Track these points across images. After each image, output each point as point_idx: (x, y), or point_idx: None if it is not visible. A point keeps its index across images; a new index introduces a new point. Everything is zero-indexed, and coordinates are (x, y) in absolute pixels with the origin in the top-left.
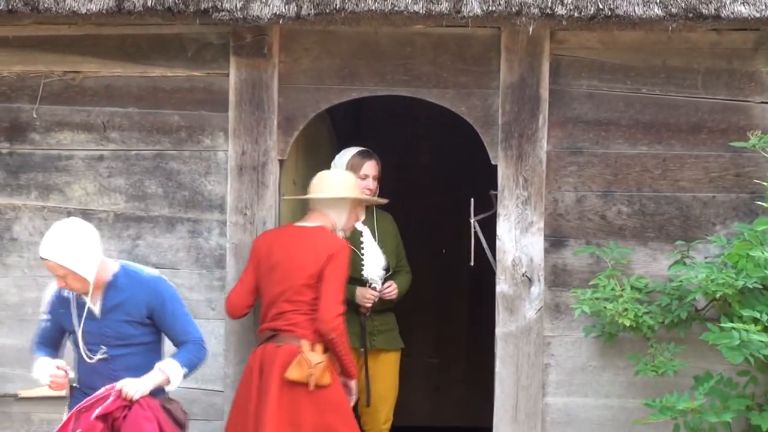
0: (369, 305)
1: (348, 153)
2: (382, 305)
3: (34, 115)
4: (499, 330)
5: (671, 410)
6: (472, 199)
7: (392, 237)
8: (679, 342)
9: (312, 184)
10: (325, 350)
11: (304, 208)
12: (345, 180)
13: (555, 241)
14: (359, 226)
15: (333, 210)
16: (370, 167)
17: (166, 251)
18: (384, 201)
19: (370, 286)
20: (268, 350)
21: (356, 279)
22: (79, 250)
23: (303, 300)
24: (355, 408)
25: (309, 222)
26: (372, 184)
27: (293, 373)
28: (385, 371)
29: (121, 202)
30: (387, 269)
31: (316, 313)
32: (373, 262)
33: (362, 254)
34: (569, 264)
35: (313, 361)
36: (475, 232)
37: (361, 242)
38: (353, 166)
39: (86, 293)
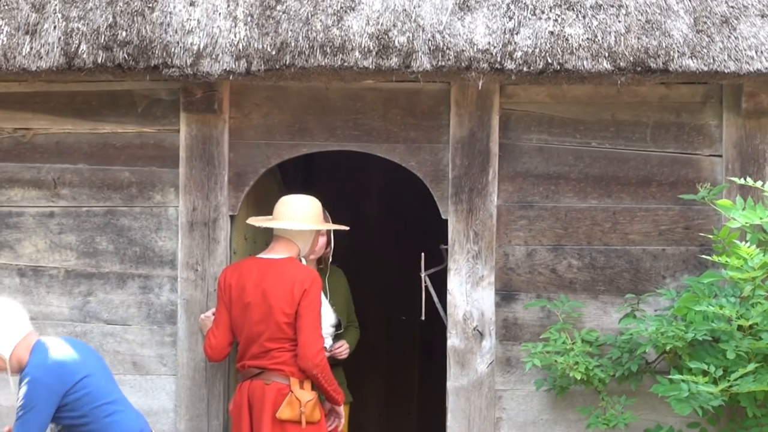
0: None
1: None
2: (331, 360)
3: None
4: (451, 384)
5: None
6: (423, 254)
7: (344, 293)
8: (630, 395)
9: (277, 210)
10: (313, 386)
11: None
12: (311, 208)
13: (506, 294)
14: None
15: (299, 238)
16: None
17: (117, 307)
18: (345, 227)
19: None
20: (257, 387)
21: None
22: None
23: (285, 337)
24: None
25: (275, 253)
26: (322, 241)
27: (285, 412)
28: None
29: (72, 258)
30: (338, 326)
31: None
32: (324, 321)
33: None
34: (520, 318)
35: (304, 399)
36: (426, 287)
37: None
38: None
39: (8, 372)
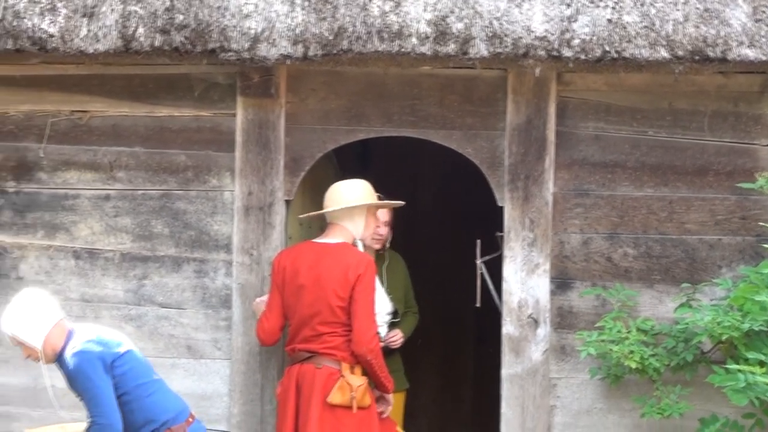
0: None
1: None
2: (388, 347)
3: (41, 155)
4: (505, 371)
5: None
6: (479, 241)
7: (402, 279)
8: (685, 384)
9: (326, 197)
10: (364, 371)
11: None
12: (357, 187)
13: (561, 282)
14: None
15: (348, 221)
16: (384, 214)
17: (172, 291)
18: (400, 203)
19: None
20: (307, 371)
21: None
22: (23, 319)
23: (338, 322)
24: None
25: (330, 238)
26: (382, 228)
27: (336, 397)
28: (392, 414)
29: (128, 241)
30: (394, 314)
31: (351, 335)
32: (379, 309)
33: None
34: (575, 306)
35: (354, 384)
36: (481, 274)
37: None
38: None
39: (43, 361)
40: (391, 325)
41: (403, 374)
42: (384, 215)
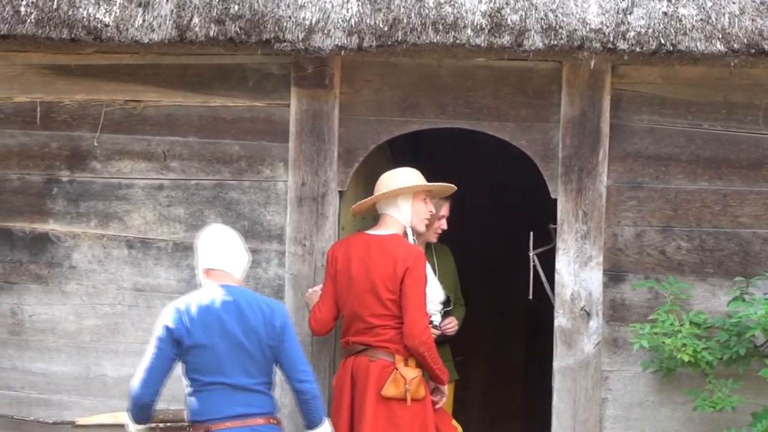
0: None
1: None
2: (439, 338)
3: (95, 144)
4: (557, 364)
5: None
6: (532, 233)
7: (451, 271)
8: (738, 378)
9: (375, 188)
10: (418, 363)
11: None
12: (402, 174)
13: (614, 275)
14: None
15: (394, 209)
16: (444, 208)
17: None
18: (452, 187)
19: (431, 324)
20: (361, 364)
21: None
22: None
23: (390, 314)
24: None
25: (381, 230)
26: (444, 223)
27: (390, 390)
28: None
29: (181, 231)
30: (446, 303)
31: (403, 327)
32: (433, 297)
33: None
34: (627, 299)
35: (408, 377)
36: (534, 266)
37: None
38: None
39: None
40: (444, 314)
41: (452, 365)
42: (444, 209)
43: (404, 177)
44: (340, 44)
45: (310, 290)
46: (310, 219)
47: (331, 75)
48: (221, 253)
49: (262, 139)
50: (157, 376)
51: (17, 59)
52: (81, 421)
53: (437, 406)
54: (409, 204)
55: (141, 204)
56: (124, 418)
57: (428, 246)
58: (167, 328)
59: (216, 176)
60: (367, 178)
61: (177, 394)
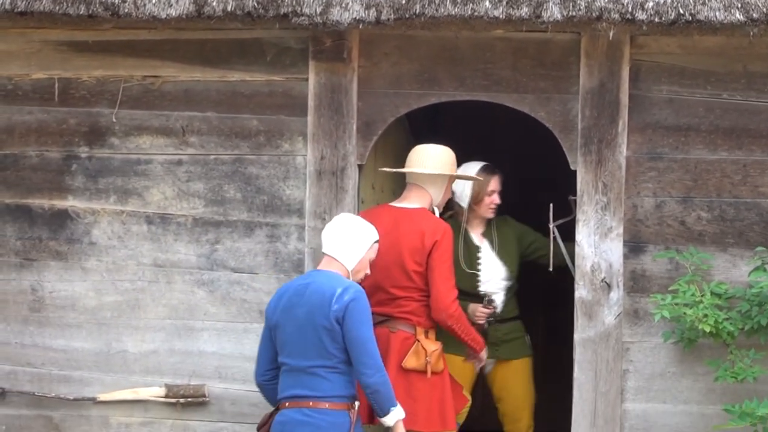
0: (482, 322)
1: (472, 169)
2: (508, 314)
3: (114, 120)
4: (578, 336)
5: (751, 416)
6: (551, 204)
7: (513, 242)
8: (759, 348)
9: (410, 158)
10: (437, 336)
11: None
12: (446, 155)
13: (634, 246)
14: (477, 241)
15: (432, 186)
16: (496, 182)
17: (244, 255)
18: (478, 178)
19: (487, 301)
20: (381, 335)
21: (473, 294)
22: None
23: (414, 287)
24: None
25: (408, 202)
26: (496, 198)
27: (410, 361)
28: (516, 380)
29: (200, 206)
30: (510, 279)
31: (428, 300)
32: (491, 276)
33: (479, 270)
34: (648, 270)
35: (429, 349)
36: (554, 238)
37: (479, 258)
38: (480, 182)
39: None
40: (507, 290)
41: (524, 341)
42: (497, 184)
43: (449, 159)
44: (357, 17)
45: None
46: (330, 193)
47: (349, 48)
48: (332, 239)
49: (280, 114)
50: (260, 357)
51: (35, 36)
52: (102, 397)
53: (477, 369)
54: (445, 186)
55: (160, 179)
56: (144, 393)
57: (489, 222)
58: (266, 308)
59: (235, 151)
60: (386, 152)
61: (198, 369)
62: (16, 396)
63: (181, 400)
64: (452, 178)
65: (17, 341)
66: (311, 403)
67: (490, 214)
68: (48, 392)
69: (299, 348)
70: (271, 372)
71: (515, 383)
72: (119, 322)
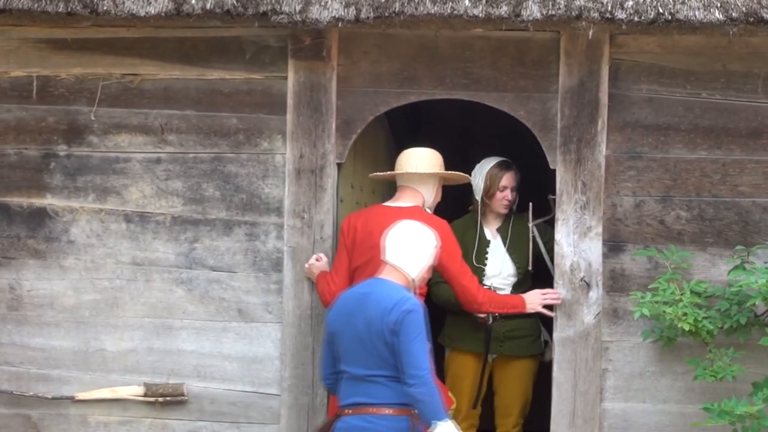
0: (482, 316)
1: (487, 164)
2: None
3: (92, 118)
4: (557, 335)
5: (730, 415)
6: (531, 204)
7: (528, 239)
8: (738, 347)
9: (399, 161)
10: None
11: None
12: (434, 156)
13: (613, 245)
14: (489, 235)
15: (424, 186)
16: (509, 178)
17: (223, 254)
18: (467, 176)
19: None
20: None
21: None
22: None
23: None
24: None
25: (401, 202)
26: (510, 195)
27: None
28: (514, 377)
29: (179, 205)
30: (518, 275)
31: (421, 298)
32: (498, 271)
33: (485, 264)
34: (627, 269)
35: None
36: (533, 237)
37: (487, 253)
38: (492, 177)
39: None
40: (515, 285)
41: (533, 340)
42: (510, 180)
43: (438, 160)
44: (337, 16)
45: (307, 264)
46: (309, 191)
47: (328, 47)
48: (394, 248)
49: (259, 112)
50: (323, 360)
51: (13, 33)
52: (80, 396)
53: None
54: (436, 186)
55: (139, 178)
56: (123, 392)
57: (507, 218)
58: (328, 313)
59: (214, 149)
60: (365, 150)
61: (176, 368)
62: None
63: (160, 399)
64: (442, 180)
65: None
66: (372, 409)
67: (503, 210)
68: (26, 391)
69: (359, 357)
70: (334, 375)
71: (513, 380)
72: (98, 321)
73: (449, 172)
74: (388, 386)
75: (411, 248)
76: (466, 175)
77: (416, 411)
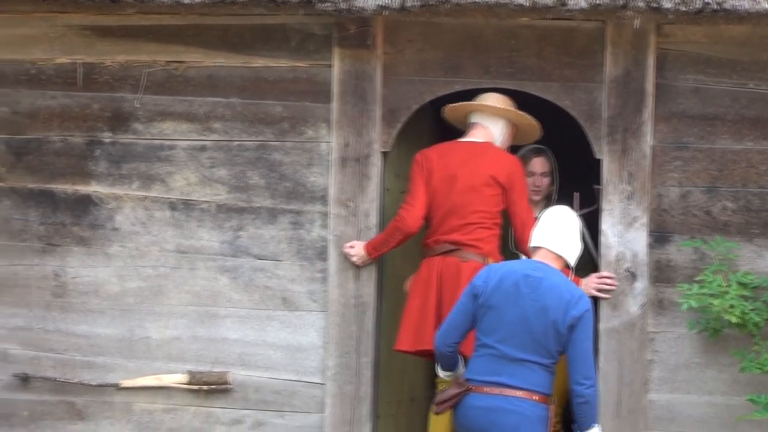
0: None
1: (523, 149)
2: None
3: (137, 105)
4: (603, 325)
5: None
6: (577, 194)
7: None
8: None
9: (476, 100)
10: None
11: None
12: (508, 99)
13: (659, 236)
14: None
15: (495, 126)
16: (538, 164)
17: (267, 242)
18: (536, 126)
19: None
20: (451, 264)
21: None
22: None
23: (488, 211)
24: None
25: (473, 137)
26: (538, 180)
27: None
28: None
29: (224, 192)
30: None
31: (496, 228)
32: None
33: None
34: (673, 260)
35: None
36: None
37: None
38: (521, 161)
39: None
40: None
41: None
42: (539, 166)
43: (508, 101)
44: (382, 4)
45: (347, 246)
46: (354, 180)
47: (373, 35)
48: (556, 235)
49: (304, 100)
50: (452, 327)
51: (58, 20)
52: (125, 383)
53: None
54: (506, 128)
55: (183, 165)
56: (167, 380)
57: (545, 206)
58: (473, 283)
59: (259, 137)
60: (410, 139)
61: (220, 356)
62: (39, 382)
63: (204, 387)
64: (513, 126)
65: (40, 327)
66: (519, 393)
67: (534, 197)
68: (71, 378)
69: (518, 339)
70: (457, 344)
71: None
72: (142, 308)
73: (520, 112)
74: (538, 374)
75: (574, 237)
76: (536, 123)
77: (546, 397)
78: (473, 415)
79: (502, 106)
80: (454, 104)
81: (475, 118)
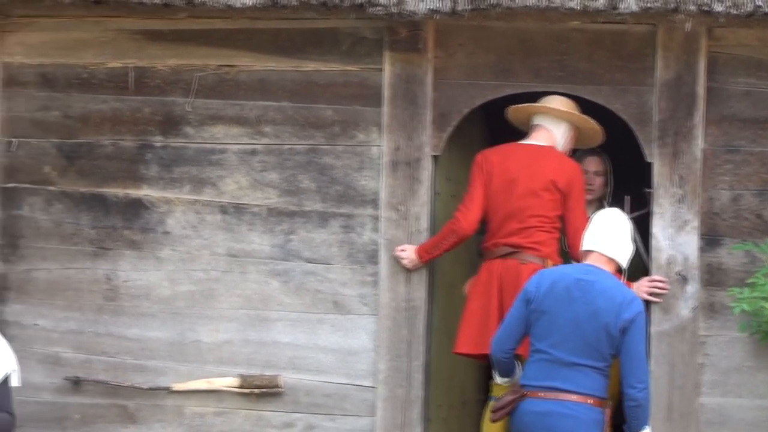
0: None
1: (580, 151)
2: None
3: (188, 109)
4: (654, 329)
5: None
6: (627, 197)
7: None
8: None
9: (540, 102)
10: None
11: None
12: (572, 103)
13: (710, 239)
14: None
15: (557, 129)
16: (591, 163)
17: (319, 246)
18: (599, 130)
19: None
20: (511, 267)
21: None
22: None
23: (547, 216)
24: None
25: (536, 140)
26: (591, 178)
27: None
28: None
29: (274, 196)
30: None
31: (555, 232)
32: None
33: None
34: (724, 263)
35: None
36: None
37: None
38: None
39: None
40: None
41: None
42: (591, 165)
43: (572, 104)
44: (433, 8)
45: (398, 249)
46: (404, 184)
47: (424, 39)
48: (602, 237)
49: (355, 104)
50: (507, 334)
51: (109, 24)
52: (176, 386)
53: None
54: (567, 131)
55: (234, 169)
56: (219, 383)
57: (597, 207)
58: (525, 289)
59: (309, 141)
60: (460, 143)
61: (271, 360)
62: (90, 385)
63: (256, 391)
64: (575, 129)
65: (92, 330)
66: (575, 397)
67: (587, 196)
68: (122, 381)
69: (571, 343)
70: (513, 350)
71: None
72: (193, 312)
73: (583, 116)
74: (592, 377)
75: (626, 241)
76: (599, 127)
77: (602, 401)
78: (529, 421)
79: (566, 109)
80: (517, 105)
81: (538, 120)
